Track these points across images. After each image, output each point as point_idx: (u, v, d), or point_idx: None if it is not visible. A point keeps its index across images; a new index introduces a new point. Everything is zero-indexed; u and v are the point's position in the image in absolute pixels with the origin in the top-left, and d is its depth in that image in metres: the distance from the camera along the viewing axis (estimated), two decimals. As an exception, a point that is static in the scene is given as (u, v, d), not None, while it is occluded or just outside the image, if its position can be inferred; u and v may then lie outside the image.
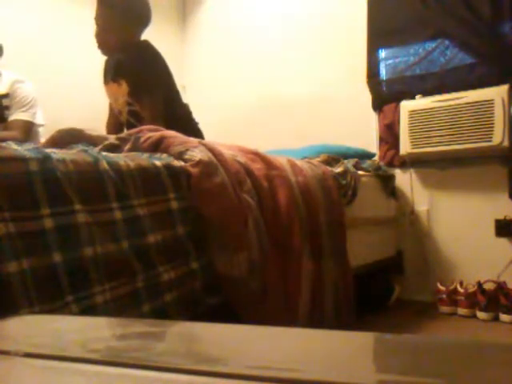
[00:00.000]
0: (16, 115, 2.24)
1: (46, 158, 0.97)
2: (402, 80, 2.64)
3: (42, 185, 0.94)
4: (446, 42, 2.49)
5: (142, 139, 1.42)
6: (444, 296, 2.30)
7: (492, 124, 2.19)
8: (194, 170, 1.30)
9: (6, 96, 2.25)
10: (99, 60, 2.08)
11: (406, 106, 2.46)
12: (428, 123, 2.37)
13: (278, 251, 1.52)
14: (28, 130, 2.26)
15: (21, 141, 1.98)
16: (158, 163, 1.24)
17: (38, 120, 2.36)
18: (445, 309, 2.29)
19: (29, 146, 1.04)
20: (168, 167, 1.26)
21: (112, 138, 1.47)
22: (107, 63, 2.08)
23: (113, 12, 1.90)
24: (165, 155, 1.35)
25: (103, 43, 1.94)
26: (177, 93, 2.04)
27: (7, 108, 2.25)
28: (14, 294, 0.85)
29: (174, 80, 2.01)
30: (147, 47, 1.93)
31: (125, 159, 1.17)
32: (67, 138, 1.46)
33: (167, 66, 1.95)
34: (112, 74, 2.00)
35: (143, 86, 1.89)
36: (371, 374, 0.39)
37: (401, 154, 2.51)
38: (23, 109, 2.26)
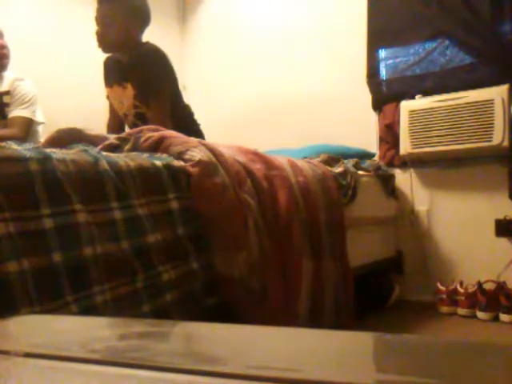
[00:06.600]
0: (16, 112, 2.24)
1: (46, 158, 0.97)
2: (402, 80, 2.64)
3: (42, 185, 0.94)
4: (446, 42, 2.49)
5: (142, 139, 1.42)
6: (444, 296, 2.30)
7: (492, 124, 2.19)
8: (194, 170, 1.30)
9: (6, 93, 2.26)
10: (100, 60, 2.08)
11: (406, 106, 2.46)
12: (428, 123, 2.37)
13: (277, 251, 1.52)
14: (28, 127, 2.26)
15: (20, 138, 1.98)
16: (158, 163, 1.25)
17: (38, 118, 2.36)
18: (445, 309, 2.29)
19: (29, 145, 1.04)
20: (168, 167, 1.27)
21: (112, 138, 1.47)
22: (108, 65, 2.07)
23: (114, 8, 1.90)
24: (165, 155, 1.35)
25: (103, 40, 1.92)
26: (180, 94, 2.04)
27: (7, 105, 2.25)
28: (14, 294, 0.85)
29: (177, 81, 2.01)
30: (153, 49, 1.92)
31: (125, 159, 1.18)
32: (67, 137, 1.46)
33: (173, 67, 1.95)
34: (117, 77, 1.99)
35: (151, 88, 1.89)
36: (371, 374, 0.39)
37: (401, 153, 2.51)
38: (23, 106, 2.26)
